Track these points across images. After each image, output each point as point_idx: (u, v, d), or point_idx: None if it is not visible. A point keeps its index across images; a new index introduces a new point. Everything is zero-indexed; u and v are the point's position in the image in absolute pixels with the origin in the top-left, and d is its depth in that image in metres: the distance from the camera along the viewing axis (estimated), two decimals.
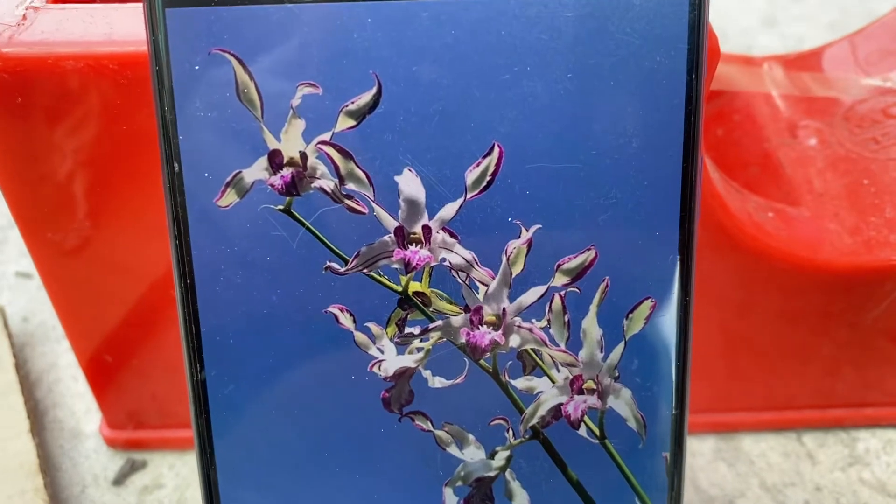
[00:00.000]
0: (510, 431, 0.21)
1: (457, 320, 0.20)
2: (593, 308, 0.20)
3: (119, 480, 0.30)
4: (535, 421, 0.20)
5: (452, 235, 0.19)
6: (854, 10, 0.54)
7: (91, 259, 0.25)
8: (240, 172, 0.19)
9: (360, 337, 0.20)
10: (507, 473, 0.21)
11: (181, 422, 0.30)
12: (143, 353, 0.28)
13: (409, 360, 0.20)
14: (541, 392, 0.20)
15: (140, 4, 0.21)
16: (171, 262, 0.25)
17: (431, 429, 0.20)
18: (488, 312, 0.20)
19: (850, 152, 0.29)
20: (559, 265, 0.19)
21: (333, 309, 0.20)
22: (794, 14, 0.54)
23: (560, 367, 0.20)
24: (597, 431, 0.21)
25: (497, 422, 0.21)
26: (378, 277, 0.19)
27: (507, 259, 0.19)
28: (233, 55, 0.18)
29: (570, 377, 0.20)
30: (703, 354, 0.28)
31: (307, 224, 0.19)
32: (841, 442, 0.31)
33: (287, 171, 0.19)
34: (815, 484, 0.30)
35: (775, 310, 0.28)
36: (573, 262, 0.19)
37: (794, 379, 0.30)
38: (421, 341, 0.20)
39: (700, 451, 0.31)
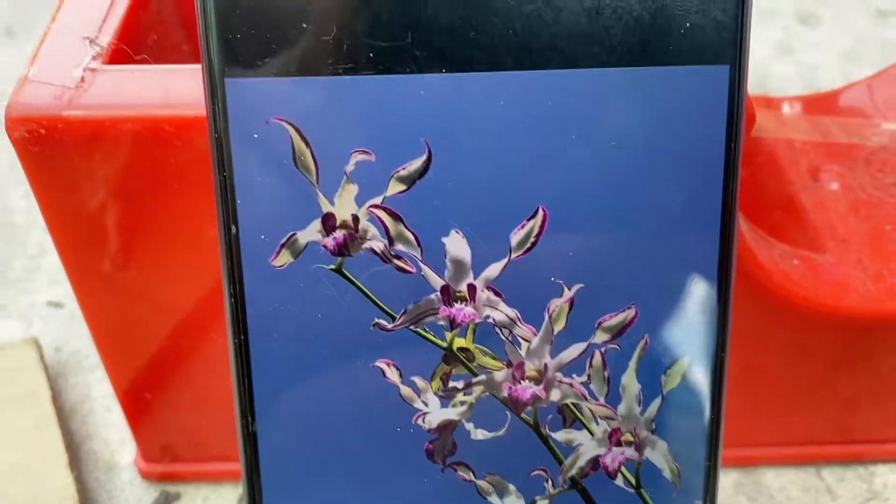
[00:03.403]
0: (549, 482, 0.21)
1: (499, 375, 0.21)
2: (632, 364, 0.20)
3: None
4: (573, 472, 0.21)
5: (497, 294, 0.20)
6: (868, 38, 0.55)
7: (131, 295, 0.26)
8: (294, 234, 0.19)
9: (405, 391, 0.21)
10: None
11: (214, 455, 0.31)
12: (178, 388, 0.29)
13: (452, 413, 0.21)
14: (580, 444, 0.21)
15: (195, 66, 0.21)
16: (208, 304, 0.26)
17: (473, 479, 0.21)
18: (530, 368, 0.20)
19: (872, 197, 0.29)
20: (600, 323, 0.20)
21: (381, 364, 0.20)
22: (808, 42, 0.54)
23: (599, 420, 0.21)
24: (633, 481, 0.21)
25: (537, 472, 0.21)
26: (424, 334, 0.20)
27: (550, 317, 0.20)
28: (290, 124, 0.19)
29: (609, 430, 0.21)
30: (727, 391, 0.29)
31: (357, 283, 0.20)
32: (859, 477, 0.32)
33: (339, 233, 0.19)
34: None
35: (795, 349, 0.28)
36: (614, 321, 0.20)
37: (813, 415, 0.31)
38: (464, 395, 0.21)
39: (722, 485, 0.31)
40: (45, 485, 0.29)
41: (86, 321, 0.27)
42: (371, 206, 0.19)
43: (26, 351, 0.33)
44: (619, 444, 0.21)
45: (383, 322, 0.20)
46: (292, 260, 0.19)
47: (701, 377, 0.21)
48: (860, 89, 0.32)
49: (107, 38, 0.22)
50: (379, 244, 0.19)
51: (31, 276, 0.40)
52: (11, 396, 0.32)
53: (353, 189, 0.19)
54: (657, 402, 0.21)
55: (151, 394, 0.29)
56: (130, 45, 0.23)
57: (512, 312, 0.20)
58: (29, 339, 0.34)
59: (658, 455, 0.21)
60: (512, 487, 0.21)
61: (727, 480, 0.32)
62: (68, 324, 0.37)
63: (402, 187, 0.19)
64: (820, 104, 0.33)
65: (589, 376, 0.20)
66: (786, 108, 0.33)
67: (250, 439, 0.20)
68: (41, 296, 0.39)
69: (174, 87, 0.21)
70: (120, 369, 0.28)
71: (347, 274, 0.20)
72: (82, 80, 0.21)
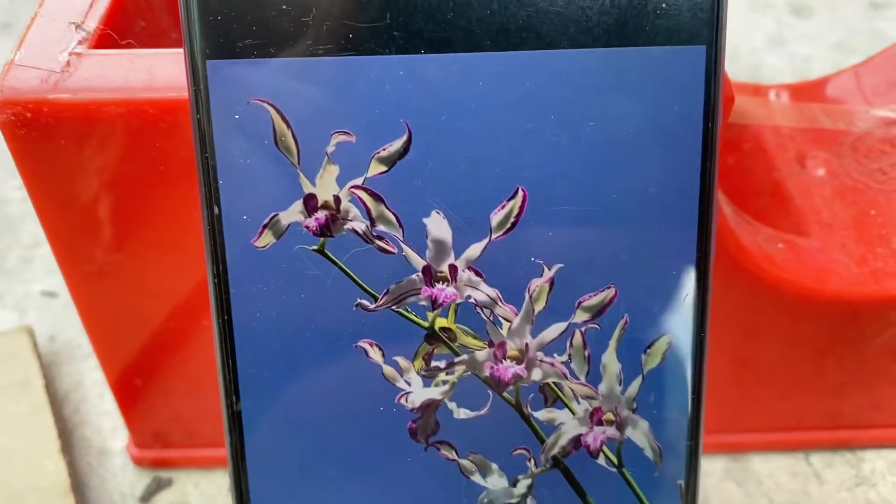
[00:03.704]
0: (532, 461, 0.21)
1: (481, 355, 0.21)
2: (613, 343, 0.21)
3: (146, 498, 0.31)
4: (555, 451, 0.21)
5: (478, 274, 0.20)
6: (859, 29, 0.55)
7: (121, 282, 0.26)
8: (277, 215, 0.19)
9: (388, 370, 0.21)
10: (529, 501, 0.22)
11: (206, 441, 0.31)
12: (169, 374, 0.29)
13: (435, 393, 0.21)
14: (562, 423, 0.21)
15: (178, 50, 0.22)
16: (198, 290, 0.26)
17: (456, 458, 0.21)
18: (511, 347, 0.21)
19: (858, 183, 0.29)
20: (580, 302, 0.20)
21: (363, 344, 0.20)
22: (800, 33, 0.55)
23: (580, 399, 0.21)
24: (615, 460, 0.21)
25: (519, 451, 0.21)
26: (406, 314, 0.20)
27: (530, 297, 0.20)
28: (271, 105, 0.19)
29: (590, 409, 0.21)
30: (713, 377, 0.29)
31: (340, 263, 0.20)
32: (847, 462, 0.32)
33: (321, 214, 0.20)
34: None
35: (782, 335, 0.29)
36: (594, 300, 0.20)
37: (801, 400, 0.31)
38: (447, 374, 0.21)
39: (710, 471, 0.32)
40: (37, 469, 0.29)
41: (76, 307, 0.27)
42: (352, 187, 0.19)
43: (20, 339, 0.33)
44: (600, 423, 0.21)
45: (365, 302, 0.20)
46: (275, 241, 0.20)
47: (682, 356, 0.21)
48: (847, 77, 0.32)
49: (93, 23, 0.22)
50: (361, 225, 0.20)
51: (26, 266, 0.40)
52: (5, 384, 0.32)
53: (334, 170, 0.19)
54: (638, 381, 0.21)
55: (142, 380, 0.29)
56: (117, 31, 0.23)
57: (493, 292, 0.20)
58: (22, 327, 0.34)
59: (639, 434, 0.21)
60: (494, 466, 0.21)
61: (715, 466, 0.32)
62: (62, 313, 0.38)
63: (383, 168, 0.19)
64: (807, 92, 0.33)
65: (570, 356, 0.21)
66: (772, 96, 0.33)
67: (235, 418, 0.21)
68: (35, 286, 0.39)
69: (158, 71, 0.21)
70: (111, 355, 0.28)
71: (330, 254, 0.20)
72: (68, 64, 0.21)
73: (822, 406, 0.31)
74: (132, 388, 0.29)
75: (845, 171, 0.30)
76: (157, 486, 0.31)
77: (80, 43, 0.22)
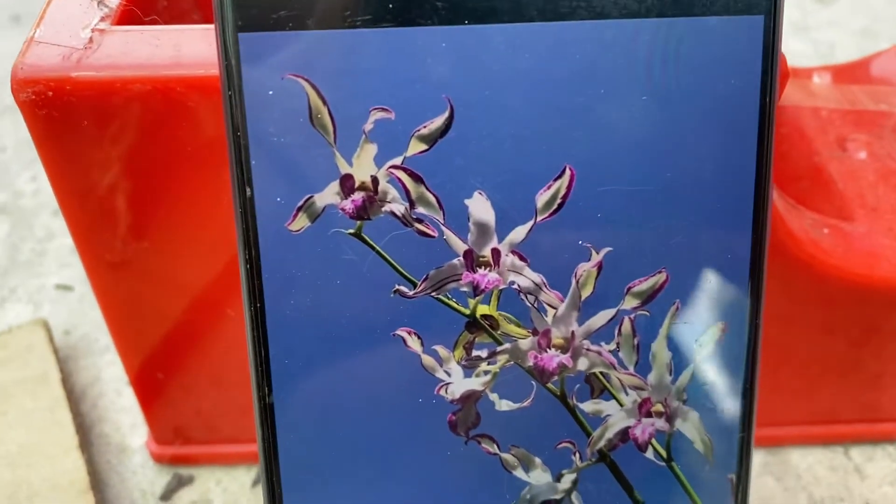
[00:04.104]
0: (577, 454, 0.20)
1: (524, 343, 0.20)
2: (663, 331, 0.20)
3: (167, 496, 0.30)
4: (602, 444, 0.20)
5: (522, 258, 0.19)
6: (885, 15, 0.54)
7: (144, 273, 0.25)
8: (311, 197, 0.18)
9: (427, 360, 0.20)
10: (574, 496, 0.21)
11: (227, 437, 0.30)
12: (191, 369, 0.28)
13: (476, 384, 0.20)
14: (608, 415, 0.20)
15: (208, 26, 0.21)
16: (223, 282, 0.25)
17: (498, 452, 0.20)
18: (556, 335, 0.20)
19: None
20: (629, 288, 0.19)
21: (401, 332, 0.20)
22: (824, 19, 0.54)
23: (628, 390, 0.20)
24: (664, 454, 0.21)
25: (564, 445, 0.20)
26: (446, 301, 0.19)
27: (577, 282, 0.19)
28: (306, 80, 0.18)
29: (639, 400, 0.20)
30: None
31: (377, 248, 0.19)
32: (889, 456, 0.31)
33: (358, 196, 0.19)
34: (864, 499, 0.30)
35: (824, 324, 0.28)
36: (644, 286, 0.19)
37: (840, 392, 0.30)
38: (488, 364, 0.20)
39: None
40: (56, 467, 0.28)
41: (96, 298, 0.26)
42: (391, 167, 0.18)
43: (36, 332, 0.33)
44: (649, 414, 0.20)
45: (404, 289, 0.19)
46: (309, 224, 0.19)
47: (735, 345, 0.20)
48: (890, 56, 0.31)
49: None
50: (399, 207, 0.19)
51: (40, 259, 0.39)
52: (22, 378, 0.31)
53: (372, 149, 0.18)
54: (689, 371, 0.20)
55: (164, 374, 0.28)
56: (142, 9, 0.22)
57: (538, 278, 0.19)
58: (38, 320, 0.33)
59: (690, 426, 0.20)
60: (538, 460, 0.21)
61: (753, 460, 0.31)
62: (77, 307, 0.37)
63: (424, 147, 0.18)
64: (849, 73, 0.32)
65: (618, 344, 0.20)
66: (816, 79, 0.32)
67: (267, 411, 0.20)
68: (50, 279, 0.38)
69: (185, 47, 0.20)
70: (131, 348, 0.27)
71: (367, 238, 0.19)
72: (90, 40, 0.20)
73: (862, 398, 0.30)
74: (153, 382, 0.28)
75: (888, 154, 0.29)
76: (178, 484, 0.30)
77: (102, 19, 0.21)
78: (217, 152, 0.20)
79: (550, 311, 0.20)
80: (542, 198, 0.19)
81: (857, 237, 0.26)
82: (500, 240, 0.19)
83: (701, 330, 0.20)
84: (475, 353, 0.20)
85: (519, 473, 0.21)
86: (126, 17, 0.21)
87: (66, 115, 0.20)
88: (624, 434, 0.20)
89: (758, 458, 0.31)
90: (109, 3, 0.21)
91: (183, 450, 0.30)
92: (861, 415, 0.31)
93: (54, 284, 0.38)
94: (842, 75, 0.31)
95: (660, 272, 0.19)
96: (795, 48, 0.51)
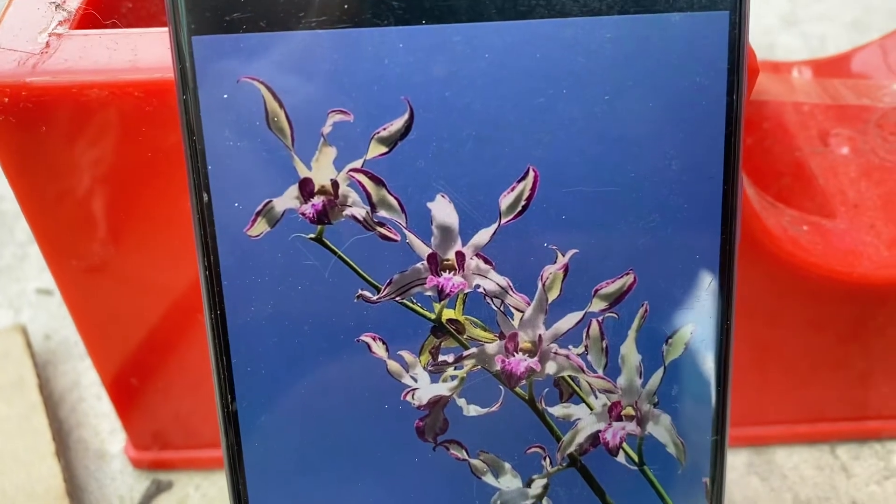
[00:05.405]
0: (547, 459, 0.20)
1: (491, 347, 0.19)
2: (632, 333, 0.19)
3: (145, 502, 0.29)
4: (572, 448, 0.20)
5: (487, 261, 0.19)
6: (876, 7, 0.53)
7: (113, 278, 0.25)
8: (270, 202, 0.18)
9: (392, 366, 0.19)
10: (545, 502, 0.20)
11: (206, 442, 0.30)
12: (167, 374, 0.28)
13: (443, 389, 0.20)
14: (578, 419, 0.20)
15: (165, 30, 0.20)
16: (195, 285, 0.25)
17: (467, 457, 0.20)
18: (524, 339, 0.19)
19: (885, 161, 0.28)
20: (597, 290, 0.19)
21: (366, 338, 0.19)
22: (815, 12, 0.53)
23: (598, 393, 0.20)
24: (636, 458, 0.20)
25: (533, 450, 0.20)
26: (411, 305, 0.19)
27: (543, 285, 0.19)
28: (262, 83, 0.17)
29: (609, 404, 0.20)
30: (734, 367, 0.28)
31: (339, 252, 0.19)
32: (876, 454, 0.31)
33: (318, 200, 0.18)
34: (851, 498, 0.29)
35: (806, 321, 0.27)
36: (611, 287, 0.19)
37: (826, 390, 0.30)
38: (455, 369, 0.20)
39: (732, 465, 0.30)
40: (31, 474, 0.28)
41: (66, 305, 0.26)
42: (351, 170, 0.18)
43: (13, 338, 0.32)
44: (619, 418, 0.20)
45: (367, 293, 0.19)
46: (269, 229, 0.18)
47: (705, 346, 0.20)
48: (872, 50, 0.31)
49: (75, 3, 0.21)
50: (360, 211, 0.18)
51: (20, 263, 0.39)
52: None
53: (331, 152, 0.18)
54: (659, 373, 0.20)
55: (139, 379, 0.28)
56: (102, 13, 0.22)
57: (503, 281, 0.19)
58: (15, 325, 0.33)
59: (661, 430, 0.20)
60: (507, 466, 0.20)
61: (738, 460, 0.31)
62: (57, 311, 0.36)
63: (384, 149, 0.18)
64: (830, 67, 0.31)
65: (586, 347, 0.19)
66: (795, 73, 0.31)
67: (231, 419, 0.19)
68: (30, 283, 0.38)
69: (143, 51, 0.20)
70: (105, 354, 0.27)
71: (328, 243, 0.19)
72: (47, 45, 0.20)
73: (848, 396, 0.30)
74: (128, 387, 0.28)
75: (871, 149, 0.29)
76: (157, 489, 0.30)
77: (60, 23, 0.20)
78: (176, 157, 0.20)
79: (517, 315, 0.19)
80: (505, 200, 0.18)
81: (837, 234, 0.26)
82: (465, 243, 0.19)
83: (670, 332, 0.19)
84: (441, 358, 0.19)
85: (489, 479, 0.20)
86: (86, 21, 0.21)
87: (24, 122, 0.20)
88: (594, 438, 0.20)
89: (742, 457, 0.31)
90: (69, 6, 0.21)
91: (161, 455, 0.30)
92: (847, 412, 0.30)
93: (35, 289, 0.38)
94: (823, 69, 0.31)
95: (627, 273, 0.19)
96: (785, 41, 0.51)
